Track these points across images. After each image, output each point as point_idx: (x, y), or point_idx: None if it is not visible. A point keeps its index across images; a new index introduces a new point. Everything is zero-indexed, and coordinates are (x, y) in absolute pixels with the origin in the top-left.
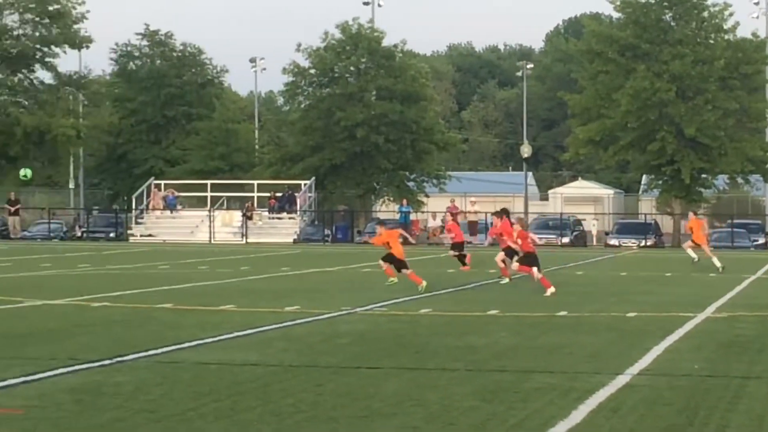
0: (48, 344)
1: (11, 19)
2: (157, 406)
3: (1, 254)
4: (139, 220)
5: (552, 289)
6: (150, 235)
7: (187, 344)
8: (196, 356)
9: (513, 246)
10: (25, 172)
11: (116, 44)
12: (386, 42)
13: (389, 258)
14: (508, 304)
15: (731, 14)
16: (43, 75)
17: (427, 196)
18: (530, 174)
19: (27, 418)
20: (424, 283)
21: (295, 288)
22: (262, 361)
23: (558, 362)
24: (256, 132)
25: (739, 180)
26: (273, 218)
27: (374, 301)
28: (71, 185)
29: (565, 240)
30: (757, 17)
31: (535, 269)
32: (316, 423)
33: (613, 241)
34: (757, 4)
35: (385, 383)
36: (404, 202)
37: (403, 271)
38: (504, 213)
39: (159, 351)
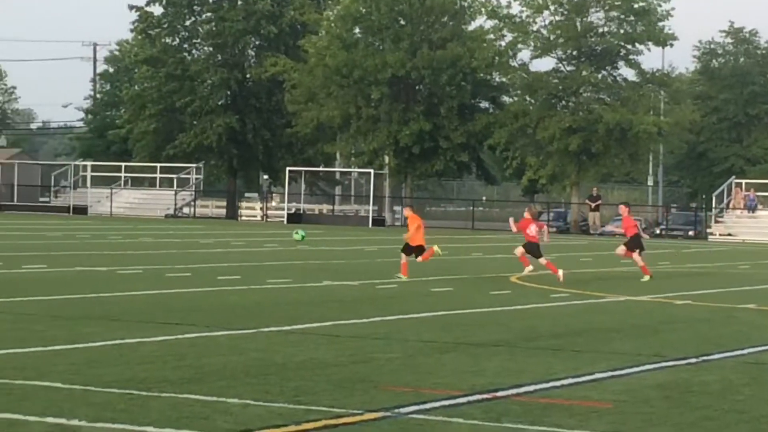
0: (633, 340)
1: (597, 16)
2: (746, 407)
3: (581, 249)
4: (719, 219)
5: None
6: (729, 235)
7: None
8: None
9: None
10: (298, 236)
11: (700, 42)
12: None
13: (408, 248)
14: None
15: None
16: (627, 72)
17: None
18: None
19: (616, 411)
20: (436, 248)
21: None
22: None
23: None
24: None
25: None
26: None
27: None
28: (650, 182)
29: None
30: None
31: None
32: None
33: None
34: None
35: None
36: None
37: (418, 259)
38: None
39: (744, 351)
